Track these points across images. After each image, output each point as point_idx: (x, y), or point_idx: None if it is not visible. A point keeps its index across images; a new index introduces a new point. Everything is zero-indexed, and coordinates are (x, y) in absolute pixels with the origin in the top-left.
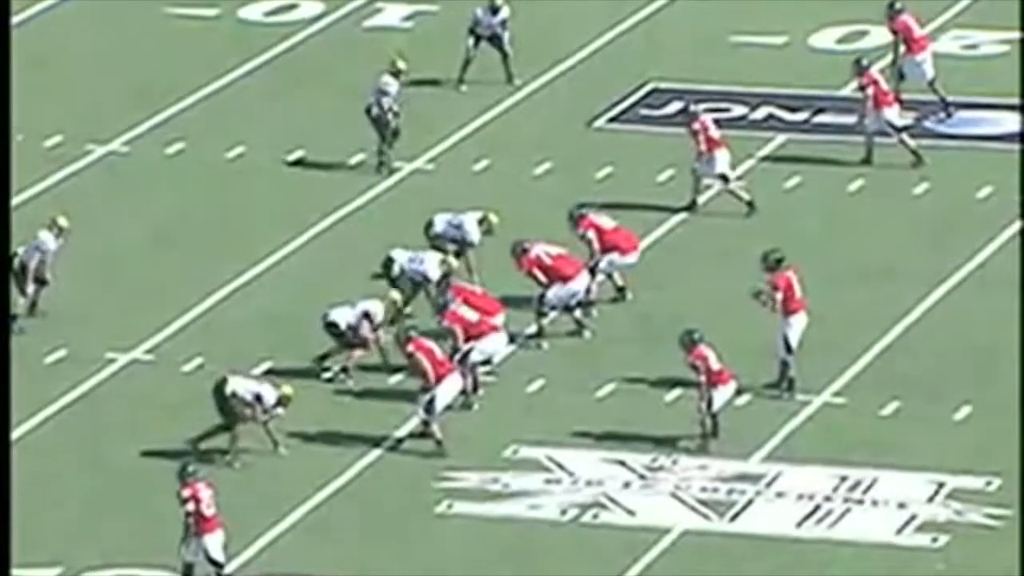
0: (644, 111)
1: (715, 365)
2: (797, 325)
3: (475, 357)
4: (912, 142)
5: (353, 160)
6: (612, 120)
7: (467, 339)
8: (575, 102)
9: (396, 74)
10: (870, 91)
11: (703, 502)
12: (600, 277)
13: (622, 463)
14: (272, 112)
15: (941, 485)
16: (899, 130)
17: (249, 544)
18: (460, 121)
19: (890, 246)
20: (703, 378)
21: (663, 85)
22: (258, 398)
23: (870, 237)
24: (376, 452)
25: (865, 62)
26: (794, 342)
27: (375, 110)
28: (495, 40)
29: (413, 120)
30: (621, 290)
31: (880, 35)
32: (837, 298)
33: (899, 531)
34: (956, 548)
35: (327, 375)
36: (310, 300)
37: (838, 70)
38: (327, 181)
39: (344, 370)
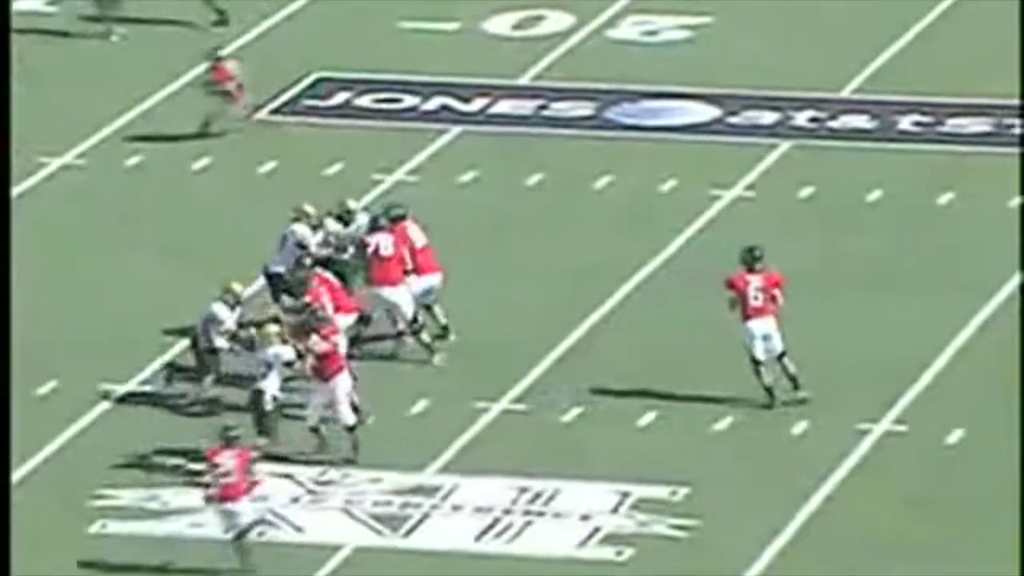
0: (309, 102)
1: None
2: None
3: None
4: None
5: None
6: (275, 112)
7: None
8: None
9: None
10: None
11: (376, 517)
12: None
13: (289, 477)
14: None
15: (625, 495)
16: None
17: None
18: (110, 115)
19: (577, 243)
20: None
21: (329, 75)
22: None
23: (555, 235)
24: (30, 465)
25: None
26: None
27: None
28: None
29: (66, 114)
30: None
31: (557, 21)
32: (521, 297)
33: (582, 544)
34: (641, 561)
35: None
36: None
37: (514, 57)
38: None
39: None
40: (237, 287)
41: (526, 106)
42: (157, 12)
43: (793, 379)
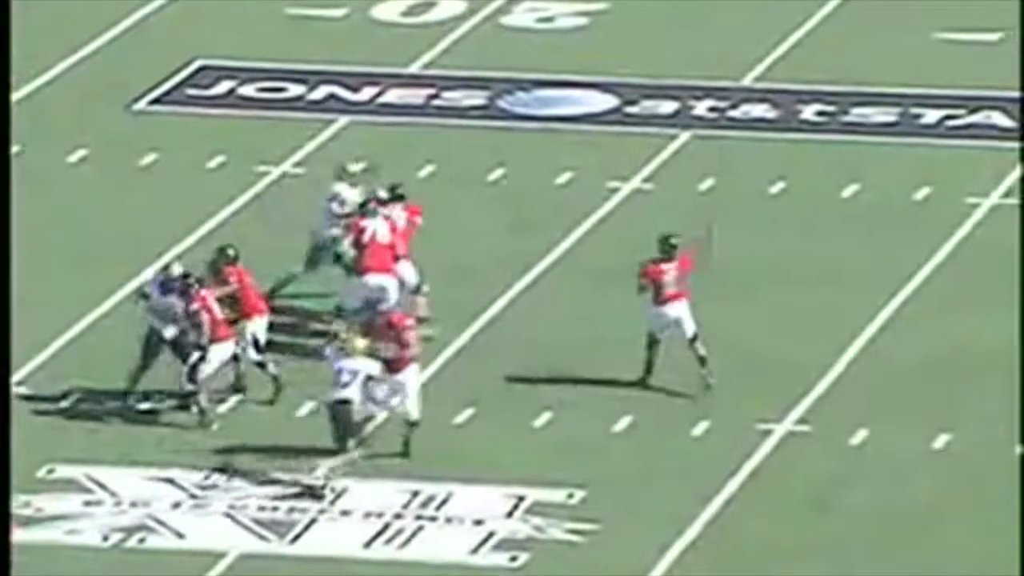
0: (191, 91)
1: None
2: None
3: None
4: None
5: None
6: (155, 102)
7: None
8: (113, 81)
9: None
10: None
11: (261, 522)
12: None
13: (171, 481)
14: None
15: (521, 499)
16: None
17: None
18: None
19: (470, 240)
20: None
21: (212, 62)
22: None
23: (446, 229)
24: None
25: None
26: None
27: None
28: None
29: None
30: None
31: (449, 7)
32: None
33: (475, 550)
34: (536, 567)
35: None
36: None
37: (404, 45)
38: None
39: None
40: (175, 269)
41: (417, 95)
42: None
43: (703, 360)
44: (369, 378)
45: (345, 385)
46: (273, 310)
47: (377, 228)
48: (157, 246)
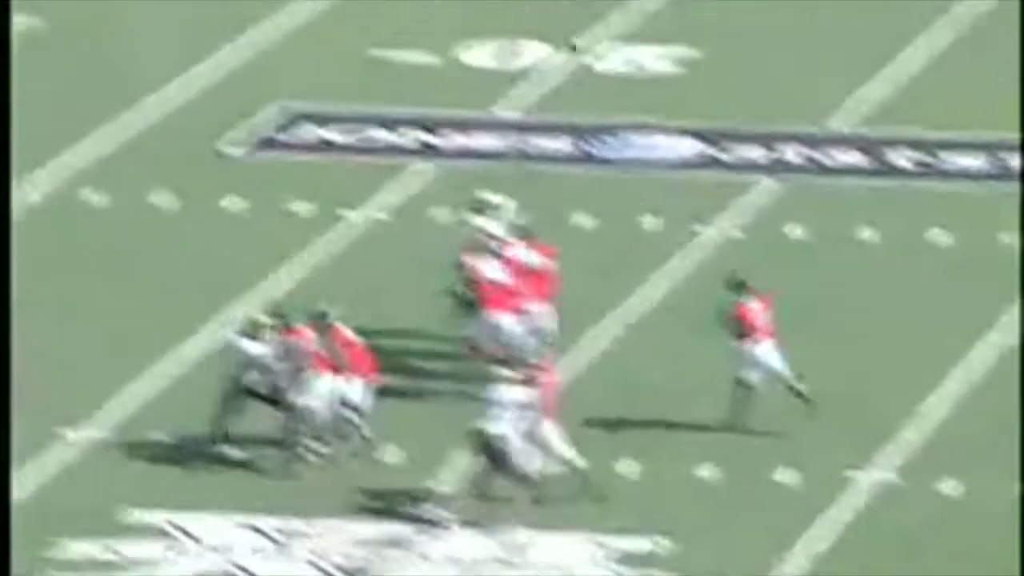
0: (277, 135)
1: None
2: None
3: None
4: None
5: None
6: (240, 145)
7: None
8: (199, 125)
9: None
10: None
11: (343, 569)
12: None
13: (253, 527)
14: None
15: (603, 546)
16: None
17: None
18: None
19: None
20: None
21: (296, 106)
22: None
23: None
24: None
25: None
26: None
27: None
28: None
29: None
30: None
31: (536, 51)
32: None
33: None
34: None
35: None
36: None
37: (490, 89)
38: None
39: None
40: (262, 318)
41: (504, 139)
42: None
43: (801, 394)
44: (521, 406)
45: (493, 417)
46: (383, 353)
47: (502, 264)
48: (244, 291)
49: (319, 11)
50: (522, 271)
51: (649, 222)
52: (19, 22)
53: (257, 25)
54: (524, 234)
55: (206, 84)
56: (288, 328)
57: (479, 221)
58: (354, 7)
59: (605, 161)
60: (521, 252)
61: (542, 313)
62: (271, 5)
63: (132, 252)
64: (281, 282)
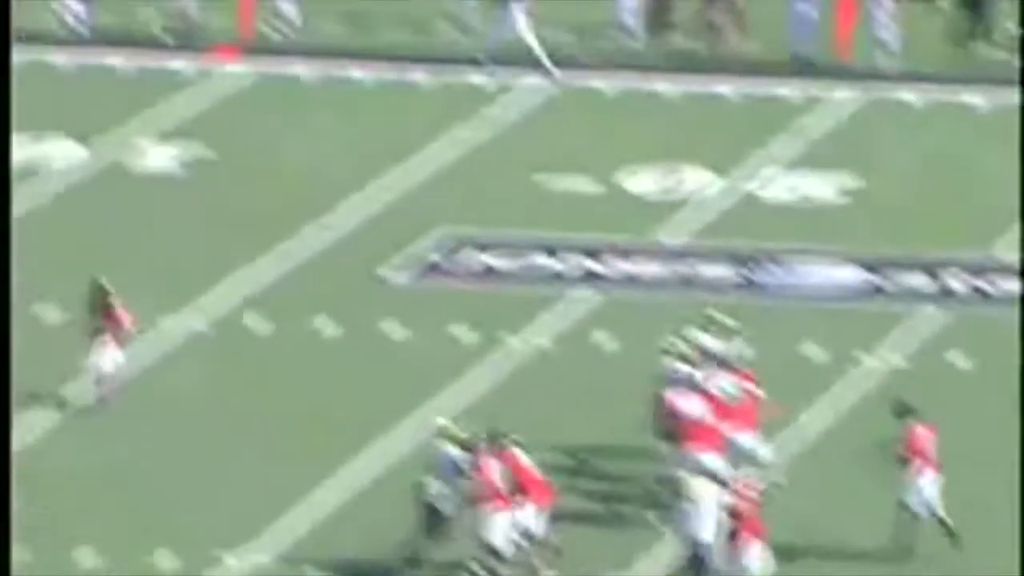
0: (440, 261)
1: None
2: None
3: None
4: None
5: None
6: (402, 271)
7: None
8: (361, 250)
9: None
10: None
11: None
12: None
13: None
14: None
15: None
16: None
17: None
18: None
19: None
20: None
21: (459, 231)
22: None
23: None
24: None
25: None
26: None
27: None
28: None
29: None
30: None
31: (698, 179)
32: None
33: None
34: None
35: None
36: None
37: (653, 216)
38: None
39: None
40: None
41: (667, 267)
42: None
43: (951, 531)
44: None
45: (698, 528)
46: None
47: (701, 399)
48: (413, 418)
49: (482, 137)
50: (722, 404)
51: (811, 350)
52: (192, 151)
53: (420, 151)
54: (730, 364)
55: (369, 210)
56: (493, 444)
57: (704, 338)
58: (516, 133)
59: (767, 288)
60: (723, 382)
61: (749, 439)
62: (432, 132)
63: (294, 377)
64: (442, 409)
